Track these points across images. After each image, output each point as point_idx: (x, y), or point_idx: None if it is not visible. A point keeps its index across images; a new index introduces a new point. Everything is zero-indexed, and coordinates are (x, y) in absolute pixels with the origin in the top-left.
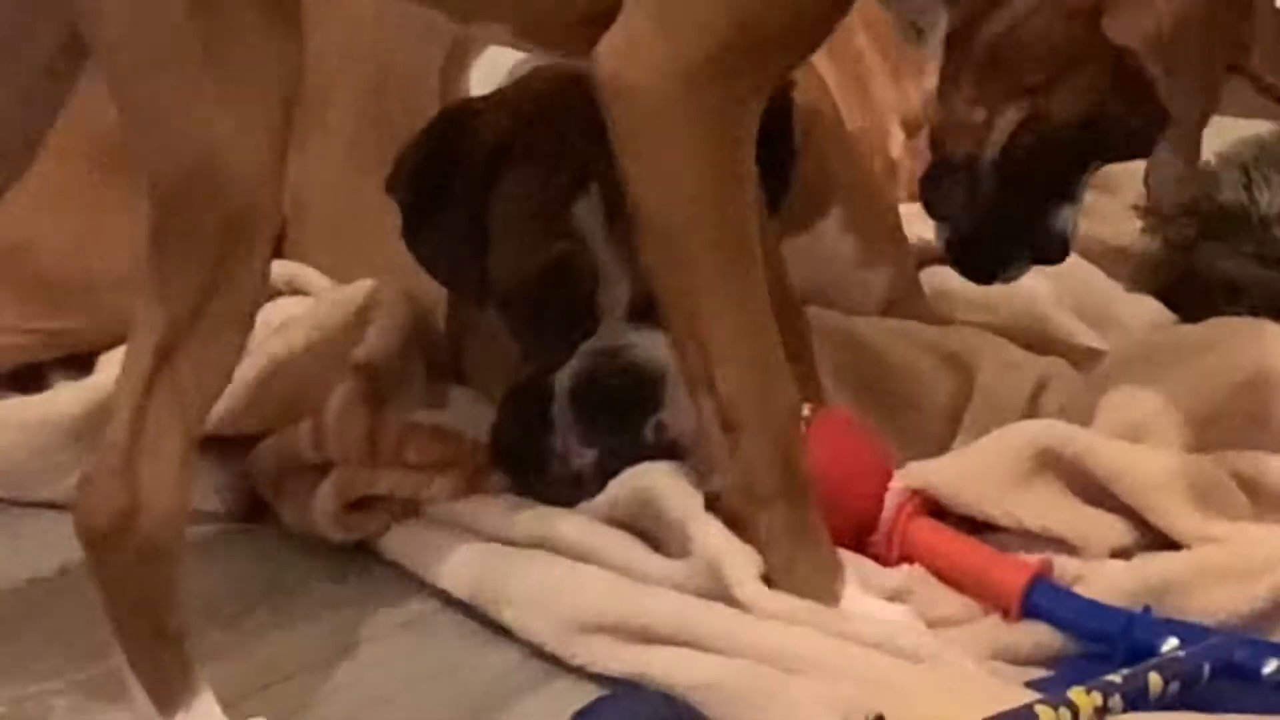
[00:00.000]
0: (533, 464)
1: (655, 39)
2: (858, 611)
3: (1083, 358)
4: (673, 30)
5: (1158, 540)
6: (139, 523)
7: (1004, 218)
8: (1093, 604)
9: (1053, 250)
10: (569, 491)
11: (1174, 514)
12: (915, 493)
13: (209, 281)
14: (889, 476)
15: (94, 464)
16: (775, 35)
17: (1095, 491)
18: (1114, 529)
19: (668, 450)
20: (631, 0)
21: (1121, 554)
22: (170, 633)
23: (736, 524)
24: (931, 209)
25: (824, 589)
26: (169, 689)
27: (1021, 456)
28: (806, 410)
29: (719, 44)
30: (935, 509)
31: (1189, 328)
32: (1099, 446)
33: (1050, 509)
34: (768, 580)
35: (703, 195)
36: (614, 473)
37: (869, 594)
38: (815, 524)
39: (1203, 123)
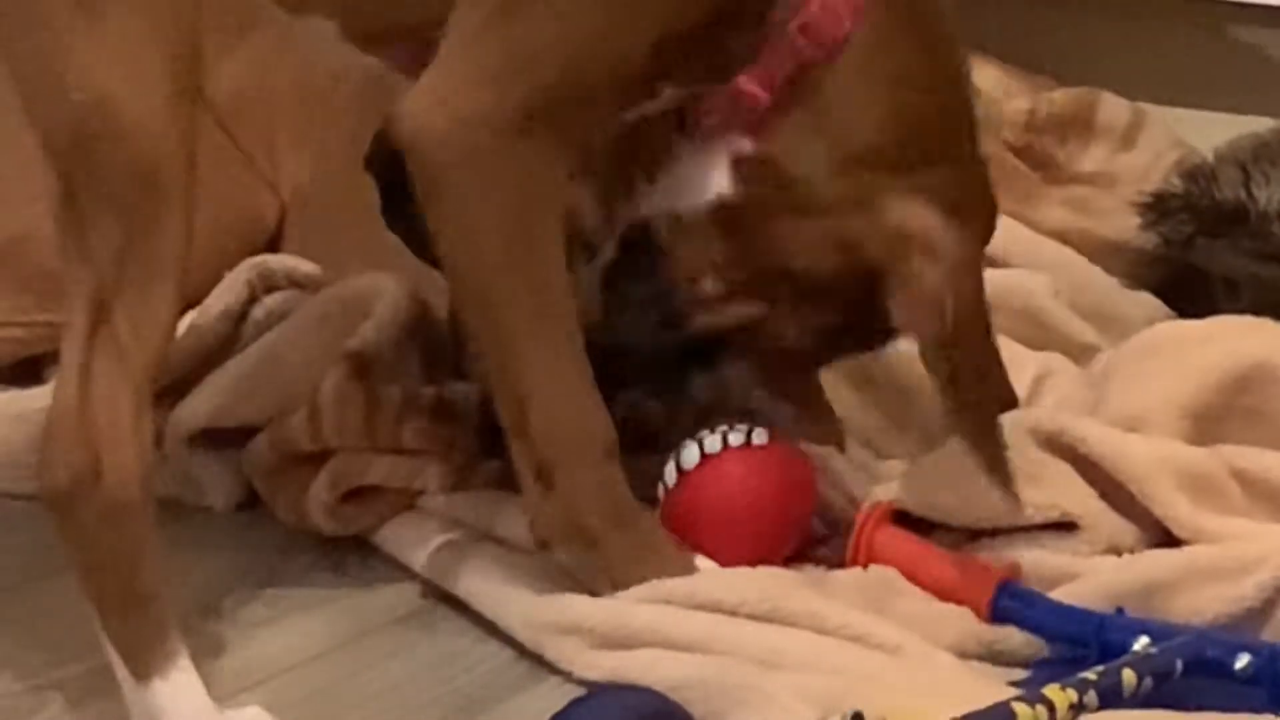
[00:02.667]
0: None
1: (460, 94)
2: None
3: (1079, 353)
4: (478, 87)
5: (1162, 541)
6: (101, 482)
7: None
8: (1062, 607)
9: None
10: None
11: (1166, 502)
12: (879, 502)
13: (126, 235)
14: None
15: (49, 427)
16: (584, 94)
17: (1105, 493)
18: (1119, 525)
19: (639, 438)
20: (442, 53)
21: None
22: (142, 595)
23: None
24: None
25: None
26: (145, 654)
27: (1025, 444)
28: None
29: (525, 102)
30: (901, 517)
31: (1188, 323)
32: (1094, 433)
33: (1062, 491)
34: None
35: (506, 252)
36: None
37: None
38: (652, 539)
39: (992, 417)
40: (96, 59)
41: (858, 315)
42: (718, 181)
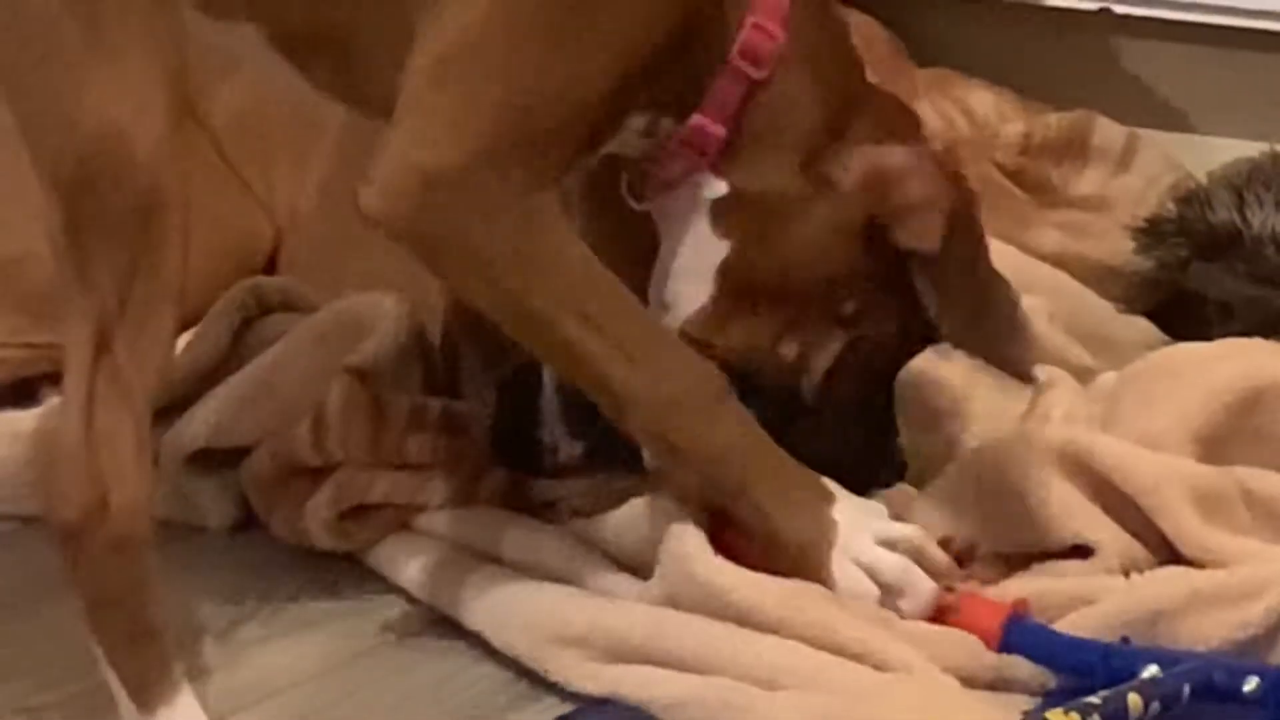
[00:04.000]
0: (525, 456)
1: (426, 153)
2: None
3: (1075, 377)
4: (441, 142)
5: (1170, 559)
6: (109, 516)
7: (831, 447)
8: (1069, 639)
9: (892, 473)
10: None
11: (1176, 518)
12: None
13: (128, 267)
14: None
15: (55, 461)
16: (550, 132)
17: (1112, 507)
18: (1132, 545)
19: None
20: (400, 110)
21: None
22: (148, 627)
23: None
24: None
25: (820, 547)
26: (149, 686)
27: (1033, 466)
28: None
29: (491, 148)
30: None
31: (1197, 345)
32: (1103, 446)
33: (1074, 513)
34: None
35: (531, 281)
36: (602, 465)
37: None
38: (795, 476)
39: (1016, 301)
40: (107, 92)
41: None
42: (708, 241)
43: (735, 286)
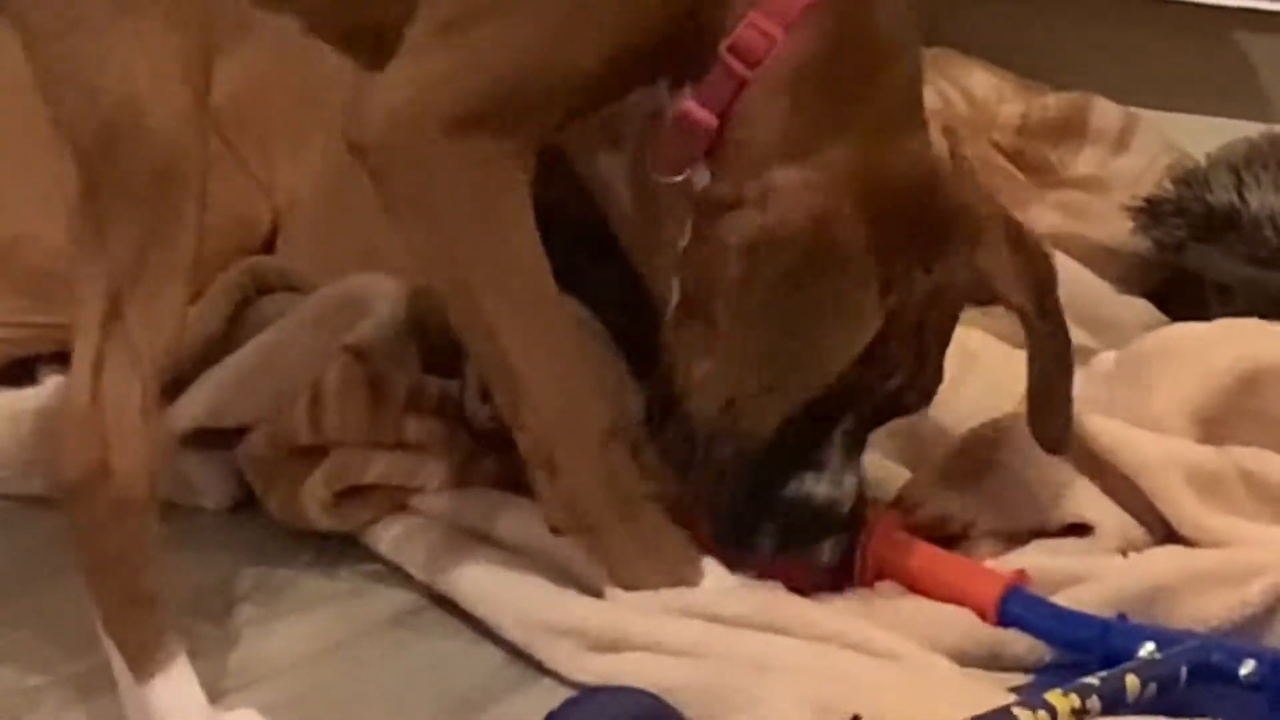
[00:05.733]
0: None
1: (409, 96)
2: (718, 589)
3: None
4: (427, 89)
5: (1167, 538)
6: (110, 478)
7: (710, 494)
8: (1068, 612)
9: (796, 523)
10: None
11: (1174, 499)
12: (888, 509)
13: (144, 234)
14: None
15: (60, 421)
16: (537, 99)
17: (1110, 487)
18: (1131, 524)
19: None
20: (396, 57)
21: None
22: (145, 593)
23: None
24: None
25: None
26: (144, 652)
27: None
28: None
29: (474, 105)
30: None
31: (1196, 326)
32: (1103, 427)
33: (1072, 493)
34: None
35: (470, 247)
36: None
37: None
38: (657, 534)
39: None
40: (129, 62)
41: None
42: (684, 237)
43: (683, 295)
